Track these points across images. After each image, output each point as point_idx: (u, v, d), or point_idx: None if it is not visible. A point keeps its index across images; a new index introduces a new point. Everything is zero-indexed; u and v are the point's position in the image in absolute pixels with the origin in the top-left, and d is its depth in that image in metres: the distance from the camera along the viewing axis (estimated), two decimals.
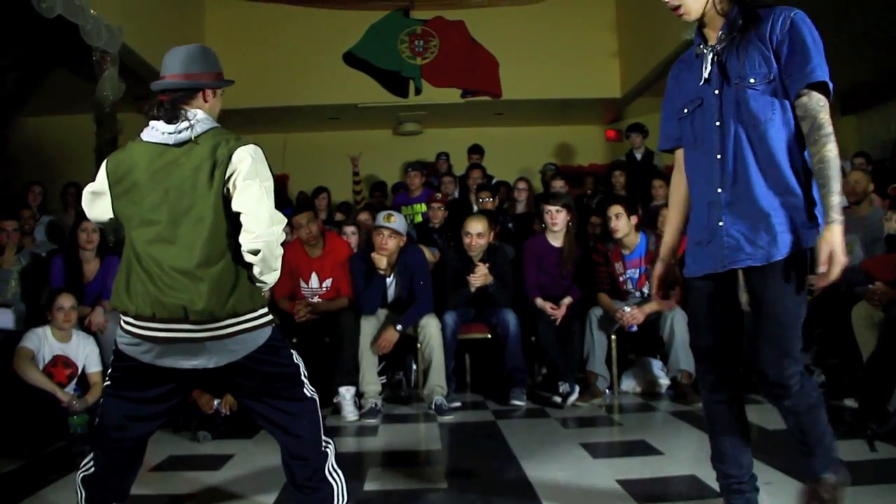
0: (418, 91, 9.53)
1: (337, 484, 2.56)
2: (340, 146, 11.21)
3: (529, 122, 11.33)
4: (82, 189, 2.58)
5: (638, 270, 5.28)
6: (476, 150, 9.02)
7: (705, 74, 2.38)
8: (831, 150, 2.18)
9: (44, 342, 4.49)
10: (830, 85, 2.22)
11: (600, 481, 3.22)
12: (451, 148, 9.67)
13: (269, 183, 2.41)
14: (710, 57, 2.37)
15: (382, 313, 5.18)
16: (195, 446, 4.13)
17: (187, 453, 3.98)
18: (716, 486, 3.00)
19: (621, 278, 5.31)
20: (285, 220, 2.42)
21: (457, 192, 8.22)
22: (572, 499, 2.99)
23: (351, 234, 6.12)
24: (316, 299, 5.29)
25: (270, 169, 2.45)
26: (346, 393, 4.83)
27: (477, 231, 5.32)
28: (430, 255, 5.72)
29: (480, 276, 5.28)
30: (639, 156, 8.37)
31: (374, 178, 9.95)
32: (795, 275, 2.24)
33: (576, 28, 10.02)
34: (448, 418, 4.74)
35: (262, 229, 2.32)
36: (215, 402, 4.30)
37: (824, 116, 2.21)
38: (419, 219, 7.23)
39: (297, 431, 2.51)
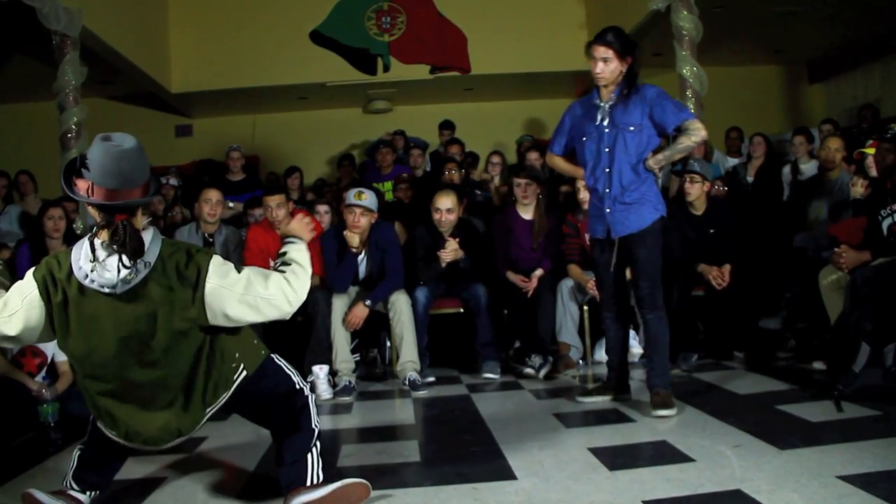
0: (387, 68, 9.42)
1: (314, 459, 2.63)
2: (310, 125, 11.15)
3: (500, 97, 11.29)
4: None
5: None
6: (447, 126, 8.99)
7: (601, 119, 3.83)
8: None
9: None
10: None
11: (573, 450, 3.23)
12: (423, 124, 9.62)
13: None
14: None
15: (354, 291, 5.16)
16: None
17: None
18: (687, 451, 3.04)
19: None
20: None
21: (428, 165, 8.19)
22: (545, 469, 2.99)
23: (324, 213, 6.09)
24: None
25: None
26: (320, 371, 4.83)
27: (446, 207, 5.31)
28: (401, 230, 5.70)
29: (451, 251, 5.28)
30: None
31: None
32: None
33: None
34: (422, 393, 4.75)
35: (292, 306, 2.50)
36: None
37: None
38: (390, 196, 7.20)
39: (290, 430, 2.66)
